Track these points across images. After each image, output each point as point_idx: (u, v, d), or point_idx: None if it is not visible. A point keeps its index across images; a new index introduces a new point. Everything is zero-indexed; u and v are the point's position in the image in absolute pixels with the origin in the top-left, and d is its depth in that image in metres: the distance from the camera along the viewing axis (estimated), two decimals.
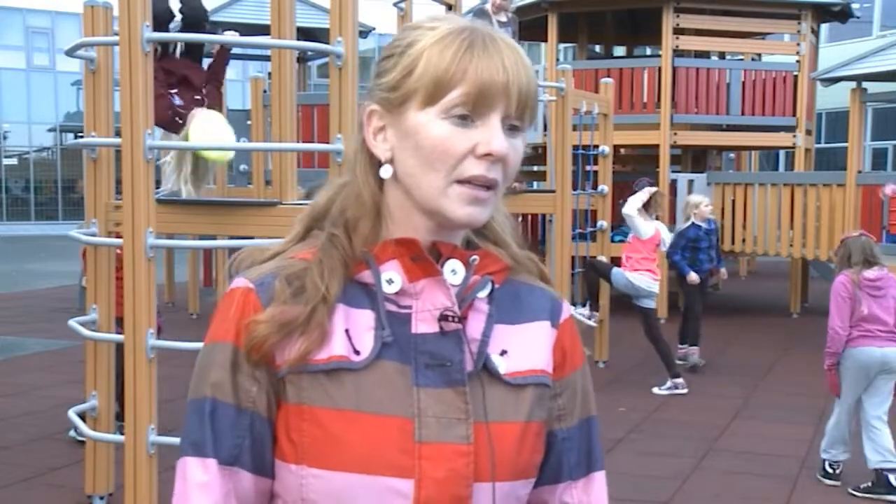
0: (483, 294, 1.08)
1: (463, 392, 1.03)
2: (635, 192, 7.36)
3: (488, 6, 7.41)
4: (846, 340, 4.90)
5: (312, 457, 1.00)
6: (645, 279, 7.16)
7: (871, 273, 4.93)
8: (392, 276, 1.05)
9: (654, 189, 7.42)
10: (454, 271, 1.06)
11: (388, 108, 1.05)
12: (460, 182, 1.01)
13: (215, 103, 4.87)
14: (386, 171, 1.06)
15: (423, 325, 1.04)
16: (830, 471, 5.09)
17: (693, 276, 7.70)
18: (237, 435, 1.02)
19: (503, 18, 7.37)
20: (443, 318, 1.04)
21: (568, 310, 1.18)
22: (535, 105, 1.04)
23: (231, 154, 5.16)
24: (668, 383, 7.20)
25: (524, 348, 1.10)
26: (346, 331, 1.03)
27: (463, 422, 1.02)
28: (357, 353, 1.02)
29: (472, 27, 1.03)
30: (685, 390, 7.16)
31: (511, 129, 1.03)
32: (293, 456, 1.02)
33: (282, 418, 1.03)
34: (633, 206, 7.24)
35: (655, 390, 7.20)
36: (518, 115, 1.03)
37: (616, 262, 7.75)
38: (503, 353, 1.08)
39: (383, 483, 0.99)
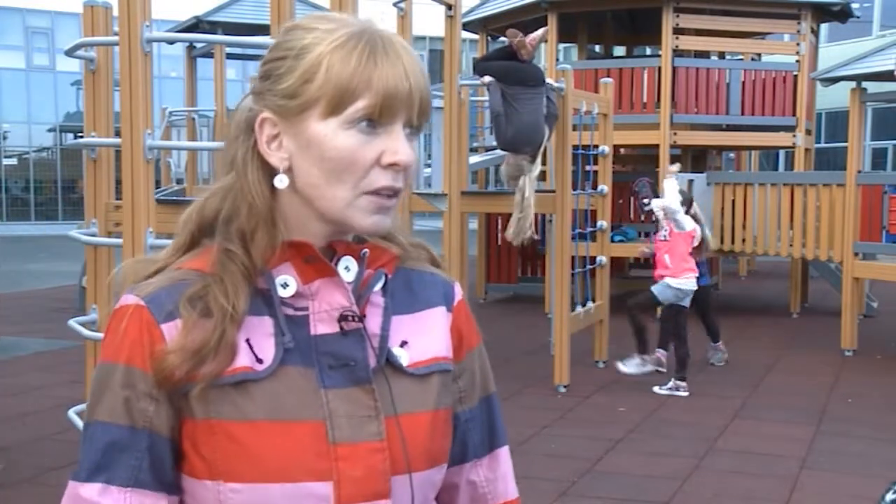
0: (377, 287, 1.08)
1: (370, 389, 1.03)
2: (635, 192, 7.31)
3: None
4: None
5: (228, 472, 0.99)
6: (690, 281, 7.12)
7: None
8: (286, 280, 1.04)
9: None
10: (347, 268, 1.06)
11: (285, 116, 1.01)
12: (367, 193, 1.00)
13: None
14: (281, 182, 1.01)
15: (322, 325, 1.03)
16: None
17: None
18: (134, 457, 0.99)
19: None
20: (342, 318, 1.03)
21: (460, 292, 1.19)
22: (430, 109, 1.04)
23: None
24: (671, 383, 7.18)
25: (423, 337, 1.11)
26: (247, 340, 1.01)
27: (374, 419, 1.02)
28: (260, 361, 1.01)
29: (367, 28, 1.01)
30: (686, 393, 7.14)
31: (409, 133, 1.02)
32: (206, 472, 1.00)
33: (187, 434, 1.01)
34: (672, 197, 7.20)
35: (656, 389, 7.19)
36: (418, 121, 1.02)
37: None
38: (403, 344, 1.08)
39: (303, 489, 0.99)
